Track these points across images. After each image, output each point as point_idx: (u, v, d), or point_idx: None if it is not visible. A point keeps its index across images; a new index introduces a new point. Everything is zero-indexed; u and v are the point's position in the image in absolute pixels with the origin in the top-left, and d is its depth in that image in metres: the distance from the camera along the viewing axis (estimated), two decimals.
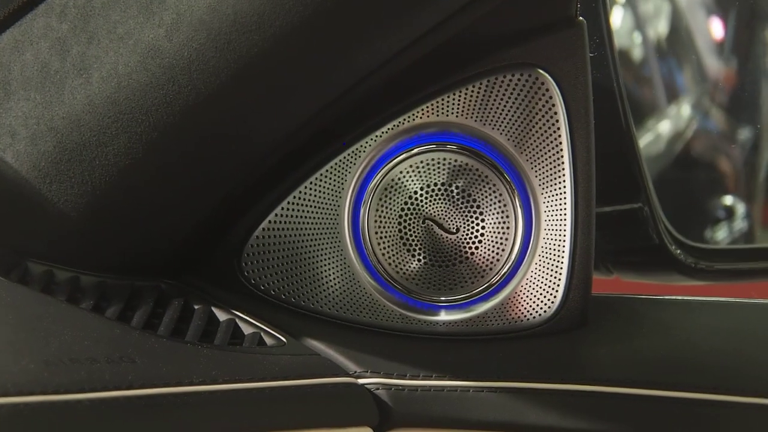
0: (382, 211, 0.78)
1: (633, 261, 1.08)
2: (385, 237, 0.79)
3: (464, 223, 0.78)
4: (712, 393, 0.74)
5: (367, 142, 0.77)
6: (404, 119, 0.76)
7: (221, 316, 0.77)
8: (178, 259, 0.80)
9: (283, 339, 0.76)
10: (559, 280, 0.78)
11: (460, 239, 0.78)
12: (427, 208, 0.78)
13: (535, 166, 0.77)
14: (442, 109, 0.76)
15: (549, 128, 0.76)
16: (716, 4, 1.63)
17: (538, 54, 0.75)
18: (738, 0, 1.52)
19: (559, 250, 0.78)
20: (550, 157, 0.77)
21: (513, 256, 0.79)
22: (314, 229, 0.78)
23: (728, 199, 1.59)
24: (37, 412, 0.55)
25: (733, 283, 1.19)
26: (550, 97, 0.75)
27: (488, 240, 0.78)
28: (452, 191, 0.78)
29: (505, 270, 0.79)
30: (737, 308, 0.91)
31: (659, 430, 0.74)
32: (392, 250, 0.79)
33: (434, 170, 0.78)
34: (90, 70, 0.72)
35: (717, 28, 1.56)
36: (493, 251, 0.79)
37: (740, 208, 1.56)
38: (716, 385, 0.74)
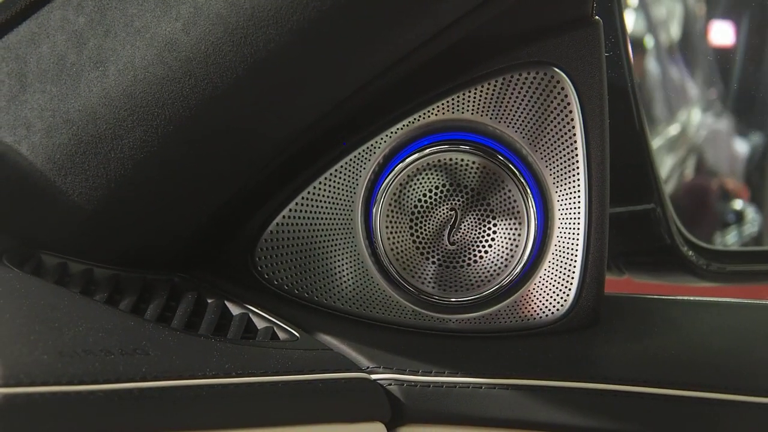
0: (394, 211, 0.78)
1: (645, 262, 1.08)
2: (397, 237, 0.78)
3: (476, 225, 0.78)
4: (722, 392, 0.74)
5: (382, 138, 0.77)
6: (419, 116, 0.76)
7: (234, 310, 0.77)
8: (192, 253, 0.80)
9: (296, 334, 0.76)
10: (572, 279, 0.78)
11: (472, 240, 0.78)
12: (438, 208, 0.78)
13: (549, 164, 0.77)
14: (457, 106, 0.76)
15: (564, 126, 0.76)
16: (729, 7, 1.63)
17: (553, 52, 0.75)
18: (752, 3, 1.52)
19: (572, 250, 0.78)
20: (564, 155, 0.77)
21: (525, 257, 0.78)
22: (328, 225, 0.78)
23: (738, 203, 1.59)
24: (51, 402, 0.56)
25: (745, 285, 1.19)
26: (566, 96, 0.75)
27: (500, 241, 0.78)
28: (464, 192, 0.78)
29: (517, 271, 0.79)
30: (748, 309, 0.91)
31: (670, 428, 0.74)
32: (404, 251, 0.79)
33: (446, 170, 0.77)
34: (106, 63, 0.72)
35: (729, 32, 1.56)
36: (505, 252, 0.78)
37: (750, 213, 1.56)
38: (727, 384, 0.74)
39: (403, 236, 0.78)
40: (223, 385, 0.64)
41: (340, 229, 0.79)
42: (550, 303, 0.79)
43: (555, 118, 0.76)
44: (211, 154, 0.73)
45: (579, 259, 0.78)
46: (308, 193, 0.78)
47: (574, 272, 0.78)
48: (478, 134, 0.77)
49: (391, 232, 0.78)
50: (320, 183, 0.78)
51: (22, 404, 0.55)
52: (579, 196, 0.77)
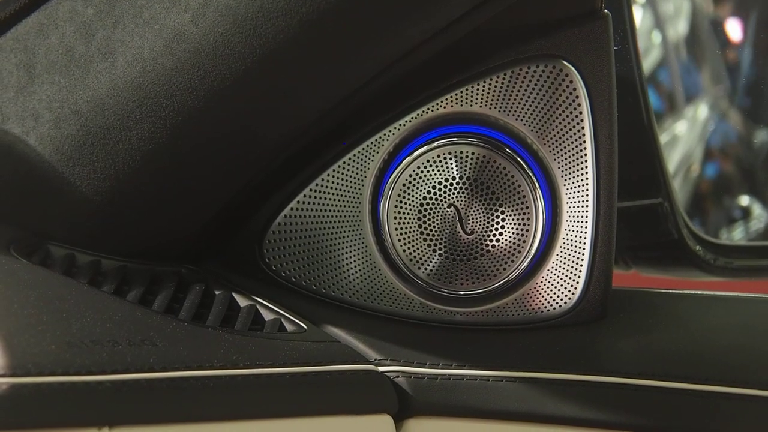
0: (402, 204, 0.78)
1: (652, 256, 1.08)
2: (405, 230, 0.78)
3: (484, 218, 0.78)
4: (729, 386, 0.74)
5: (389, 131, 0.77)
6: (427, 109, 0.76)
7: (242, 302, 0.77)
8: (199, 244, 0.80)
9: (304, 326, 0.76)
10: (580, 272, 0.78)
11: (480, 233, 0.78)
12: (446, 202, 0.78)
13: (558, 157, 0.77)
14: (466, 99, 0.76)
15: (572, 120, 0.76)
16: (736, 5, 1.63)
17: (562, 45, 0.75)
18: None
19: (580, 243, 0.78)
20: (572, 148, 0.76)
21: (533, 250, 0.78)
22: (335, 217, 0.78)
23: (744, 199, 1.59)
24: (58, 392, 0.55)
25: (752, 280, 1.18)
26: (574, 89, 0.75)
27: (508, 234, 0.78)
28: (472, 185, 0.78)
29: (525, 264, 0.78)
30: (755, 303, 0.91)
31: (676, 421, 0.74)
32: (412, 244, 0.79)
33: (454, 164, 0.77)
34: (115, 54, 0.72)
35: (736, 29, 1.56)
36: (513, 245, 0.78)
37: (757, 208, 1.56)
38: (734, 378, 0.74)
39: (411, 229, 0.78)
40: (230, 377, 0.64)
41: (347, 221, 0.79)
42: (558, 296, 0.79)
43: (563, 111, 0.76)
44: (220, 146, 0.73)
45: (587, 252, 0.78)
46: (316, 185, 0.78)
47: (581, 266, 0.78)
48: (487, 127, 0.77)
49: (399, 225, 0.78)
50: (328, 175, 0.78)
51: (29, 394, 0.54)
52: (587, 190, 0.77)
